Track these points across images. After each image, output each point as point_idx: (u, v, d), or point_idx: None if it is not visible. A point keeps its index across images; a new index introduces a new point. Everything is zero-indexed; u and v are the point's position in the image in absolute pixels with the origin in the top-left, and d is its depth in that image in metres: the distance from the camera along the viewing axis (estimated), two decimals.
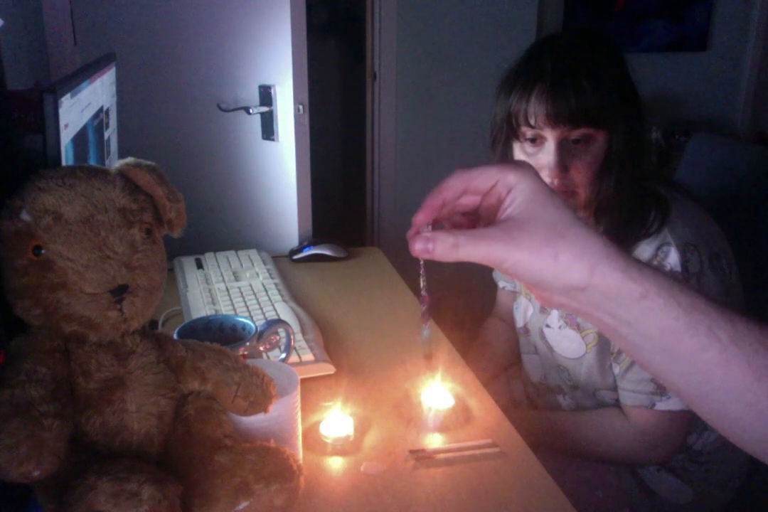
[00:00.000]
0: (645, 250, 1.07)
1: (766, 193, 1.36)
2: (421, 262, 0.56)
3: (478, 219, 0.55)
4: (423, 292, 0.58)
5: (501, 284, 1.47)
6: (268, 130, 1.63)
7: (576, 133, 1.06)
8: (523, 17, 2.55)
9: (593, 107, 1.04)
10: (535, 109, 1.06)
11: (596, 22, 2.79)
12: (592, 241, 0.49)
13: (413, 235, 0.51)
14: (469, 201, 0.53)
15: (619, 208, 1.10)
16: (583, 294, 0.49)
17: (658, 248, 1.07)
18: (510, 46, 2.54)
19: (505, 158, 1.15)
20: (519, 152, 1.13)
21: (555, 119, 1.04)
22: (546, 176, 1.07)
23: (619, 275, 0.48)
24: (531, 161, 1.09)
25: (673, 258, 1.05)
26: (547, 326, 1.25)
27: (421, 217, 0.52)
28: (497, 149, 1.17)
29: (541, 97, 1.05)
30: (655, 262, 1.06)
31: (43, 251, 0.64)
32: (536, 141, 1.09)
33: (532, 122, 1.06)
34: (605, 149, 1.07)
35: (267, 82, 1.60)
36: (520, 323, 1.35)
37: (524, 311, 1.33)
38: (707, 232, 1.11)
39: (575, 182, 1.07)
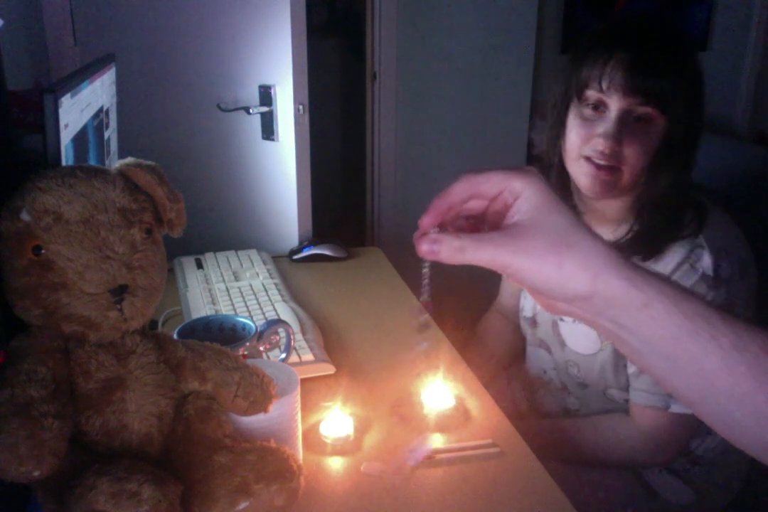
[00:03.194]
0: (677, 251, 1.07)
1: (766, 192, 1.36)
2: (426, 267, 0.55)
3: (482, 223, 0.55)
4: (425, 296, 0.57)
5: None
6: (268, 130, 1.63)
7: (641, 110, 1.05)
8: (523, 17, 2.54)
9: (669, 88, 1.03)
10: (611, 74, 1.04)
11: (596, 22, 2.79)
12: (596, 250, 0.49)
13: (419, 237, 0.51)
14: (475, 205, 0.54)
15: (663, 205, 1.09)
16: (586, 302, 0.50)
17: (692, 251, 1.06)
18: (510, 46, 2.56)
19: (559, 122, 1.13)
20: (575, 116, 1.10)
21: (627, 89, 1.03)
22: (597, 144, 1.06)
23: (622, 284, 0.48)
24: (585, 128, 1.08)
25: (705, 262, 1.05)
26: (561, 319, 1.24)
27: (427, 221, 0.52)
28: (554, 113, 1.15)
29: (620, 64, 1.03)
30: (686, 265, 1.06)
31: (43, 251, 0.64)
32: (598, 108, 1.07)
33: (603, 86, 1.05)
34: (661, 137, 1.06)
35: (267, 82, 1.60)
36: (528, 313, 1.33)
37: (534, 300, 1.31)
38: (736, 239, 1.11)
39: (624, 158, 1.06)
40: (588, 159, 1.08)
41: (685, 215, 1.09)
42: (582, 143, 1.09)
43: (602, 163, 1.06)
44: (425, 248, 0.51)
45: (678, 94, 1.05)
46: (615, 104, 1.05)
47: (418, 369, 0.57)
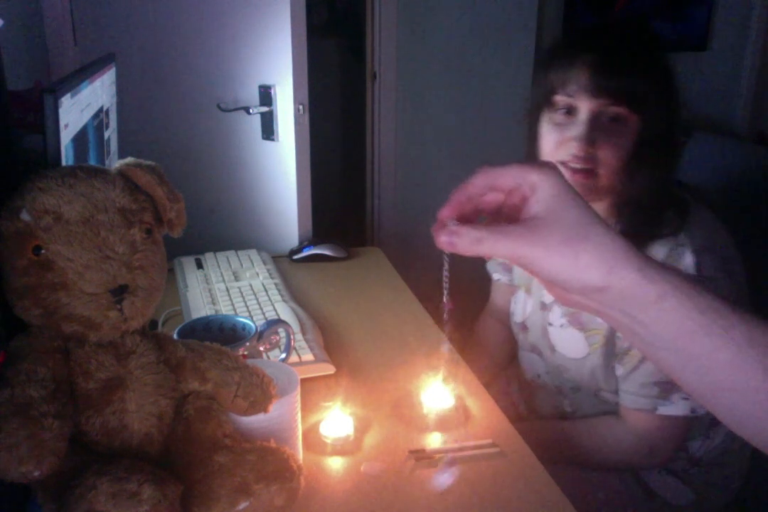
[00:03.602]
0: (659, 250, 1.06)
1: (766, 192, 1.36)
2: (446, 268, 0.56)
3: (499, 217, 0.56)
4: (445, 298, 0.58)
5: (495, 276, 1.44)
6: (268, 130, 1.63)
7: (611, 111, 1.04)
8: (523, 17, 2.55)
9: (638, 87, 1.03)
10: (577, 77, 1.04)
11: (596, 22, 2.79)
12: (612, 243, 0.50)
13: (438, 229, 0.52)
14: (492, 198, 0.55)
15: (643, 205, 1.09)
16: (600, 295, 0.50)
17: (672, 249, 1.06)
18: (510, 46, 2.56)
19: (533, 129, 1.14)
20: (547, 122, 1.10)
21: (594, 90, 1.03)
22: (571, 148, 1.05)
23: (636, 277, 0.49)
24: (557, 133, 1.08)
25: (687, 261, 1.04)
26: (550, 324, 1.24)
27: (445, 212, 0.53)
28: (528, 119, 1.15)
29: (585, 66, 1.04)
30: (667, 264, 1.05)
31: (43, 251, 0.64)
32: (569, 113, 1.07)
33: (571, 90, 1.05)
34: (636, 137, 1.05)
35: (267, 82, 1.60)
36: (518, 318, 1.33)
37: (523, 306, 1.31)
38: (720, 237, 1.11)
39: (599, 160, 1.05)
40: (563, 164, 1.07)
41: (666, 214, 1.09)
42: (556, 148, 1.08)
43: (578, 166, 1.06)
44: (443, 239, 0.51)
45: (648, 93, 1.04)
46: (584, 106, 1.05)
47: (442, 369, 0.59)
